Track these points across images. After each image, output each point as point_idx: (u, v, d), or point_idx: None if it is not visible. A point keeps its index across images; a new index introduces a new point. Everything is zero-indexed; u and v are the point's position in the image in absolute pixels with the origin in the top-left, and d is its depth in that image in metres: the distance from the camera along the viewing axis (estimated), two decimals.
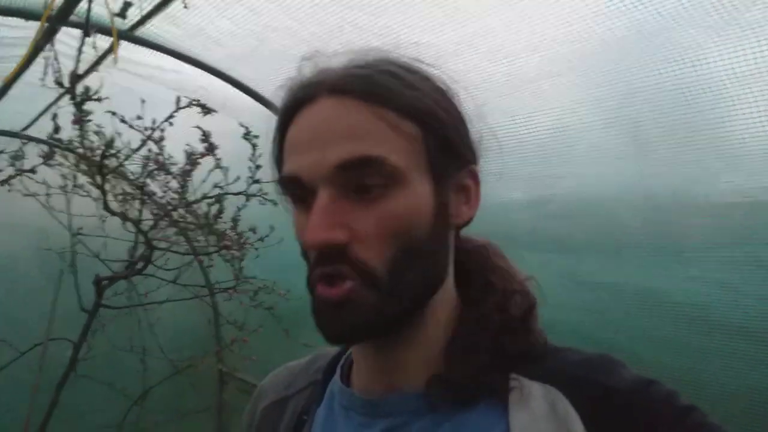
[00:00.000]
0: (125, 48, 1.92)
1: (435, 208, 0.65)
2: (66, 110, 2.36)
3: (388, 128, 0.62)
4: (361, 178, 0.61)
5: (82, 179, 2.78)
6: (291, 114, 0.67)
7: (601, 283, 1.66)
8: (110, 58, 1.83)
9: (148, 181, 2.45)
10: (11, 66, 2.15)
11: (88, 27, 1.46)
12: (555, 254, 1.73)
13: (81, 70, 1.79)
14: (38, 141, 2.76)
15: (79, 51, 1.49)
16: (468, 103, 0.71)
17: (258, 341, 2.88)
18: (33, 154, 2.66)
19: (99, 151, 2.16)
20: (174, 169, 2.48)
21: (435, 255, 0.67)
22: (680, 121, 1.32)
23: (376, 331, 0.64)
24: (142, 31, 1.88)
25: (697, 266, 1.42)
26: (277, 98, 0.70)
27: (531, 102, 1.48)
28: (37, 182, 2.74)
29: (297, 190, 0.65)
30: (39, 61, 1.94)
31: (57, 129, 1.73)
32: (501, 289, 0.70)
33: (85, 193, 2.83)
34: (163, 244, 2.69)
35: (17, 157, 2.62)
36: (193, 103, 2.08)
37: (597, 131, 1.42)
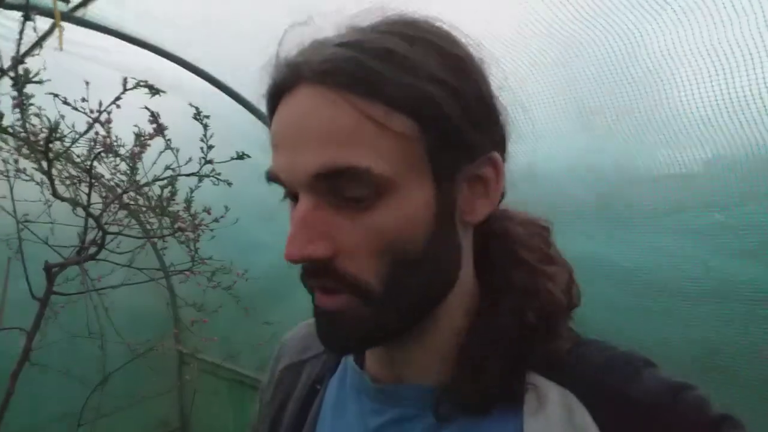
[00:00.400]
0: (67, 29, 1.86)
1: (437, 213, 0.58)
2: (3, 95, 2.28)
3: (375, 128, 0.53)
4: (344, 190, 0.54)
5: (25, 163, 2.69)
6: (274, 101, 0.60)
7: None
8: (51, 39, 1.77)
9: (96, 164, 2.39)
10: None
11: (29, 9, 1.40)
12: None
13: (21, 53, 1.73)
14: None
15: (20, 34, 1.44)
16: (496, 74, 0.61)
17: (219, 321, 2.88)
18: None
19: (43, 135, 2.10)
20: (122, 151, 2.43)
21: (438, 262, 0.60)
22: (621, 99, 1.37)
23: (375, 342, 0.62)
24: (84, 13, 1.82)
25: (637, 233, 1.51)
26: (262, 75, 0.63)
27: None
28: None
29: (283, 187, 0.60)
30: None
31: (0, 116, 1.66)
32: (522, 288, 0.65)
33: (28, 178, 2.74)
34: (114, 228, 2.64)
35: None
36: (141, 84, 2.03)
37: (545, 107, 1.46)
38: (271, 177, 0.59)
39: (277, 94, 0.59)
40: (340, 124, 0.53)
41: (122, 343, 3.28)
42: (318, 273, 0.56)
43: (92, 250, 2.54)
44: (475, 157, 0.60)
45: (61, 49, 1.45)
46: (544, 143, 1.54)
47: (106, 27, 1.92)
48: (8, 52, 1.70)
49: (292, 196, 0.59)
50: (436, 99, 0.54)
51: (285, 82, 0.58)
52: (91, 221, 2.46)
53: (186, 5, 1.64)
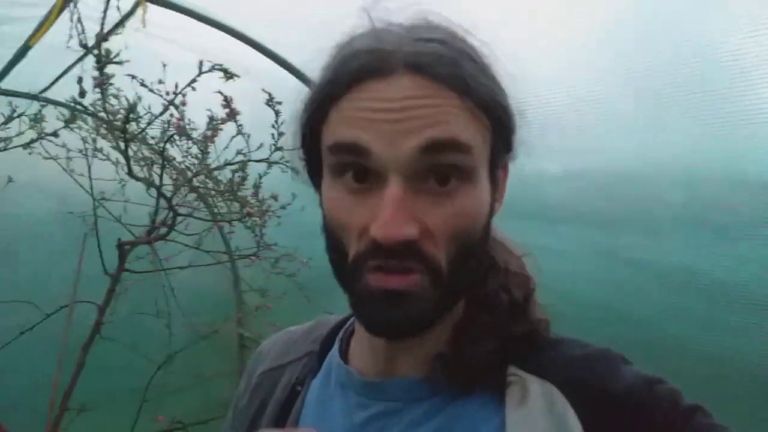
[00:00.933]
0: (151, 10, 1.86)
1: (490, 206, 0.64)
2: (84, 73, 2.33)
3: (470, 119, 0.58)
4: (441, 167, 0.58)
5: (102, 143, 2.76)
6: (355, 79, 0.60)
7: (639, 260, 1.62)
8: (133, 19, 1.77)
9: (167, 146, 2.42)
10: (29, 27, 2.11)
11: None
12: (591, 229, 1.69)
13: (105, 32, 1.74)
14: (58, 104, 2.71)
15: (105, 11, 1.44)
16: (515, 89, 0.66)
17: (280, 308, 2.89)
18: (51, 117, 2.63)
19: (121, 116, 2.13)
20: (195, 134, 2.45)
21: (484, 252, 0.66)
22: (730, 96, 1.24)
23: (428, 325, 0.63)
24: None
25: (742, 245, 1.37)
26: (333, 51, 0.64)
27: (570, 70, 1.41)
28: (57, 145, 2.72)
29: (353, 161, 0.59)
30: (58, 23, 1.90)
31: (83, 93, 1.68)
32: (504, 268, 0.70)
33: (104, 157, 2.81)
34: (184, 210, 2.67)
35: (37, 119, 2.59)
36: (216, 67, 2.02)
37: (641, 103, 1.35)
38: (354, 147, 0.58)
39: (359, 76, 0.59)
40: (444, 110, 0.57)
41: (186, 322, 3.36)
42: (403, 254, 0.57)
43: (162, 230, 2.58)
44: (504, 163, 0.68)
45: (144, 26, 1.44)
46: (637, 140, 1.43)
47: (183, 7, 1.91)
48: (91, 33, 1.72)
49: (355, 173, 0.60)
50: (506, 106, 0.63)
51: (375, 66, 0.59)
52: (162, 202, 2.50)
53: None
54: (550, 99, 1.50)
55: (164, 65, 1.98)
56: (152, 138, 2.54)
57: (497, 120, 0.61)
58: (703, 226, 1.44)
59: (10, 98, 2.46)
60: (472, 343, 0.65)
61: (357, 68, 0.59)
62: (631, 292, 1.66)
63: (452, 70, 0.58)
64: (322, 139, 0.64)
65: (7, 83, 2.62)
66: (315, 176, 0.70)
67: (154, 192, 2.45)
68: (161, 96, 2.05)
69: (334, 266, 0.66)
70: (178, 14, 1.98)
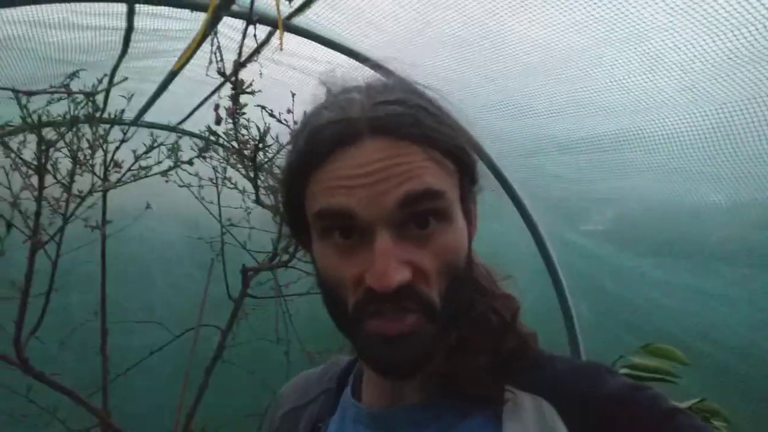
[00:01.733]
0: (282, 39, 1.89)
1: (468, 238, 0.69)
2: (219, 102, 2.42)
3: (438, 167, 0.64)
4: (419, 216, 0.62)
5: (231, 172, 2.86)
6: (326, 152, 0.64)
7: None
8: (266, 49, 1.81)
9: None
10: (173, 61, 2.22)
11: (252, 14, 1.41)
12: (760, 269, 1.46)
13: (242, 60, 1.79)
14: (193, 135, 2.86)
15: (243, 39, 1.46)
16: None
17: None
18: (186, 147, 2.76)
19: (251, 145, 2.18)
20: None
21: (470, 278, 0.70)
22: None
23: (430, 361, 0.64)
24: (298, 20, 1.84)
25: None
26: (305, 120, 0.70)
27: (753, 87, 1.23)
28: (190, 174, 2.85)
29: (339, 224, 0.63)
30: (195, 57, 1.98)
31: (219, 120, 1.73)
32: (490, 291, 0.74)
33: (232, 186, 2.91)
34: None
35: (174, 149, 2.74)
36: None
37: None
38: (342, 211, 0.62)
39: (330, 147, 0.64)
40: (415, 164, 0.62)
41: (301, 349, 3.37)
42: (399, 297, 0.60)
43: (284, 257, 2.61)
44: (473, 196, 0.72)
45: (281, 49, 1.45)
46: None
47: (316, 34, 1.93)
48: (227, 64, 1.78)
49: (345, 234, 0.63)
50: (467, 149, 0.68)
51: (342, 135, 0.63)
52: (285, 229, 2.53)
53: (402, 7, 1.56)
54: (719, 115, 1.33)
55: (293, 94, 2.01)
56: (278, 167, 2.59)
57: (460, 162, 0.67)
58: None
59: (151, 129, 2.61)
60: (466, 361, 0.69)
61: (328, 139, 0.64)
62: None
63: (413, 126, 0.63)
64: (306, 207, 0.68)
65: (149, 116, 2.81)
66: (301, 236, 0.74)
67: (277, 219, 2.49)
68: (287, 126, 2.08)
69: (333, 318, 0.69)
70: (311, 42, 1.99)
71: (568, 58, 1.45)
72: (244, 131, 2.26)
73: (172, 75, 2.13)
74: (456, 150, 0.66)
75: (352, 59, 2.01)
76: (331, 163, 0.64)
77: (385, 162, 0.62)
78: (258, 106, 2.03)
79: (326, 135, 0.65)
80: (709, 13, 1.15)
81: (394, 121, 0.63)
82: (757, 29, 1.15)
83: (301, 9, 1.73)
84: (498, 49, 1.53)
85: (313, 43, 2.00)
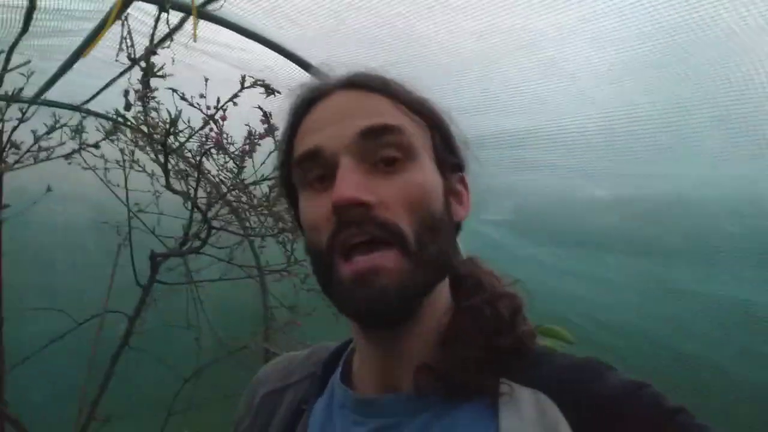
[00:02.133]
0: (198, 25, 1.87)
1: (444, 191, 0.71)
2: (125, 85, 2.35)
3: (402, 113, 0.69)
4: (383, 149, 0.66)
5: (139, 155, 2.78)
6: (304, 109, 0.73)
7: (690, 292, 1.56)
8: (181, 34, 1.78)
9: (203, 159, 2.42)
10: (78, 41, 2.14)
11: (165, 2, 1.40)
12: (640, 258, 1.64)
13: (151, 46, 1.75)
14: (100, 116, 2.75)
15: (155, 26, 1.45)
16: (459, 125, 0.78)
17: (308, 324, 2.86)
18: (91, 128, 2.65)
19: (162, 129, 2.14)
20: (231, 149, 2.45)
21: (448, 235, 0.71)
22: None
23: (408, 303, 0.66)
24: (215, 7, 1.83)
25: None
26: (288, 101, 0.77)
27: (633, 95, 1.37)
28: (95, 156, 2.75)
29: (315, 168, 0.68)
30: (105, 37, 1.92)
31: (128, 106, 1.69)
32: (490, 289, 0.74)
33: (140, 169, 2.83)
34: (216, 223, 2.67)
35: (78, 130, 2.62)
36: (258, 83, 2.02)
37: (705, 130, 1.30)
38: (309, 153, 0.68)
39: (308, 103, 0.73)
40: (378, 105, 0.69)
41: (212, 336, 3.34)
42: (358, 220, 0.63)
43: (195, 243, 2.58)
44: (454, 172, 0.76)
45: (195, 41, 1.45)
46: (695, 167, 1.38)
47: (233, 23, 1.92)
48: (139, 47, 1.74)
49: (319, 178, 0.68)
50: (436, 113, 0.73)
51: (320, 92, 0.72)
52: (196, 215, 2.50)
53: (317, 4, 1.60)
54: (603, 119, 1.47)
55: (206, 80, 1.99)
56: (189, 151, 2.55)
57: (429, 119, 0.72)
58: (762, 260, 1.37)
59: (53, 109, 2.49)
60: (456, 350, 0.68)
61: (307, 98, 0.73)
62: (680, 325, 1.60)
63: (381, 83, 0.71)
64: (291, 172, 0.74)
65: (51, 95, 2.67)
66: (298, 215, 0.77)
67: (188, 204, 2.45)
68: (200, 110, 2.05)
69: (317, 275, 0.71)
70: (225, 30, 1.98)
71: (471, 62, 1.56)
72: (153, 114, 2.21)
73: (77, 55, 2.05)
74: (422, 107, 0.72)
75: (267, 48, 2.01)
76: (308, 117, 0.72)
77: (351, 103, 0.70)
78: (169, 89, 1.99)
79: (303, 97, 0.74)
80: (595, 29, 1.28)
81: (364, 79, 0.72)
82: (637, 44, 1.29)
83: None
84: (408, 50, 1.61)
85: (228, 30, 1.99)
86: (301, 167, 0.70)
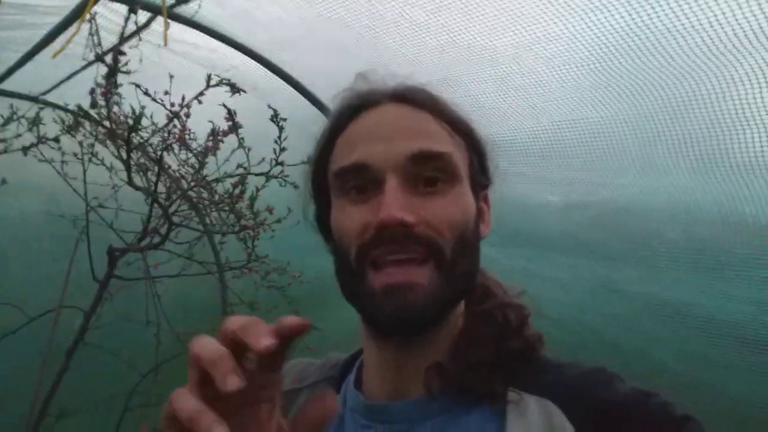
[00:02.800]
0: (161, 23, 1.88)
1: (476, 213, 0.73)
2: (86, 78, 2.33)
3: (448, 135, 0.71)
4: (429, 171, 0.68)
5: (98, 148, 2.74)
6: (349, 115, 0.74)
7: (634, 293, 1.67)
8: (149, 33, 1.79)
9: (165, 154, 2.42)
10: (40, 34, 2.11)
11: (135, 3, 1.42)
12: (588, 260, 1.74)
13: (114, 42, 1.76)
14: (59, 108, 2.70)
15: (124, 26, 1.46)
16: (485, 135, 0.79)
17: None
18: (48, 119, 2.61)
19: (124, 124, 2.13)
20: (194, 145, 2.45)
21: (476, 253, 0.73)
22: (732, 141, 1.31)
23: (435, 318, 0.68)
24: (184, 9, 1.84)
25: (736, 284, 1.43)
26: (332, 103, 0.78)
27: (583, 110, 1.47)
28: (52, 148, 2.70)
29: (358, 180, 0.69)
30: (69, 30, 1.91)
31: (95, 104, 1.69)
32: (500, 298, 0.76)
33: (98, 162, 2.79)
34: (176, 219, 2.66)
35: (35, 122, 2.58)
36: (224, 82, 2.04)
37: (648, 144, 1.41)
38: (355, 166, 0.69)
39: (355, 109, 0.74)
40: (426, 126, 0.70)
41: (171, 331, 3.32)
42: (399, 238, 0.64)
43: (155, 239, 2.57)
44: (483, 187, 0.78)
45: (165, 44, 1.46)
46: (639, 178, 1.49)
47: (200, 24, 1.93)
48: (105, 44, 1.74)
49: (360, 188, 0.69)
50: (475, 132, 0.75)
51: (368, 101, 0.73)
52: (155, 210, 2.49)
53: (287, 12, 1.64)
54: (556, 131, 1.56)
55: (171, 76, 2.00)
56: (150, 146, 2.54)
57: (470, 140, 0.74)
58: (700, 264, 1.49)
59: (10, 100, 2.44)
60: (469, 353, 0.69)
61: (353, 105, 0.74)
62: (624, 324, 1.71)
63: (430, 101, 0.72)
64: (328, 174, 0.75)
65: (7, 85, 2.61)
66: (322, 222, 0.80)
67: (148, 201, 2.44)
68: (164, 106, 2.06)
69: (342, 280, 0.73)
70: (192, 30, 1.99)
71: (433, 74, 1.62)
72: (116, 109, 2.20)
73: (38, 48, 2.03)
74: (465, 128, 0.74)
75: (235, 50, 2.04)
76: (354, 124, 0.73)
77: (400, 121, 0.70)
78: (132, 83, 1.99)
79: (351, 103, 0.74)
80: (548, 50, 1.37)
81: (413, 94, 0.73)
82: (583, 65, 1.38)
83: (185, 0, 1.74)
84: (373, 60, 1.67)
85: (195, 30, 2.00)
86: (341, 178, 0.71)
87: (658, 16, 1.12)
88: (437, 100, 0.73)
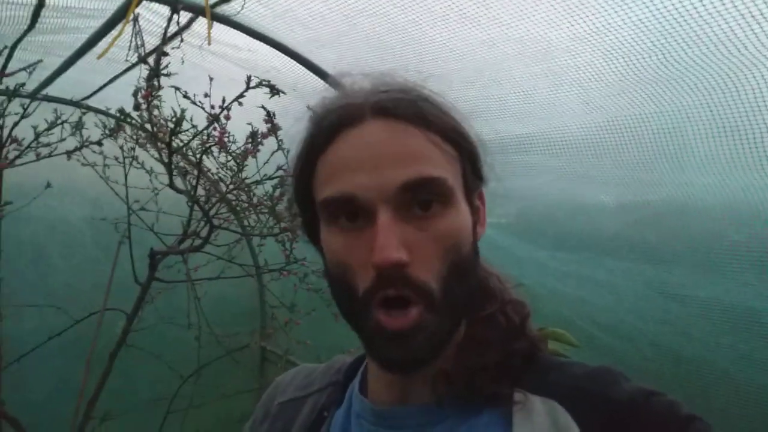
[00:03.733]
0: (201, 24, 1.87)
1: (472, 227, 0.70)
2: (126, 83, 2.34)
3: (439, 150, 0.66)
4: (419, 200, 0.64)
5: (139, 152, 2.77)
6: (331, 133, 0.68)
7: (692, 297, 1.59)
8: (187, 33, 1.79)
9: (204, 157, 2.42)
10: (82, 37, 2.13)
11: (177, 3, 1.40)
12: (642, 263, 1.67)
13: (155, 45, 1.76)
14: (101, 112, 2.74)
15: (167, 27, 1.45)
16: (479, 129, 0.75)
17: (306, 324, 2.87)
18: (90, 124, 2.64)
19: (165, 128, 2.14)
20: (233, 147, 2.45)
21: (475, 269, 0.71)
22: None
23: (436, 355, 0.66)
24: (225, 9, 1.83)
25: None
26: (311, 110, 0.73)
27: (641, 106, 1.40)
28: (94, 152, 2.74)
29: (348, 209, 0.65)
30: (112, 34, 1.92)
31: (138, 106, 1.69)
32: (500, 296, 0.75)
33: (138, 166, 2.82)
34: (215, 222, 2.67)
35: (78, 126, 2.61)
36: (264, 83, 2.03)
37: (710, 140, 1.33)
38: (342, 198, 0.65)
39: (336, 127, 0.67)
40: (416, 146, 0.64)
41: (211, 333, 3.34)
42: (395, 281, 0.62)
43: (196, 241, 2.58)
44: (477, 189, 0.73)
45: (209, 44, 1.45)
46: (701, 175, 1.41)
47: (242, 24, 1.92)
48: (147, 47, 1.74)
49: (351, 218, 0.65)
50: (467, 134, 0.70)
51: (349, 116, 0.67)
52: (196, 213, 2.50)
53: (330, 9, 1.61)
54: (611, 128, 1.50)
55: (211, 79, 1.99)
56: (190, 149, 2.55)
57: (461, 148, 0.69)
58: (766, 268, 1.41)
59: (54, 105, 2.48)
60: (473, 357, 0.69)
61: (332, 122, 0.68)
62: (682, 330, 1.63)
63: (413, 110, 0.66)
64: (313, 194, 0.71)
65: (51, 90, 2.66)
66: (312, 231, 0.76)
67: (189, 203, 2.45)
68: (203, 109, 2.05)
69: (342, 307, 0.70)
70: (232, 31, 1.99)
71: (482, 69, 1.57)
72: (156, 112, 2.21)
73: (81, 52, 2.04)
74: (456, 135, 0.68)
75: (275, 50, 2.02)
76: (335, 145, 0.67)
77: (386, 144, 0.64)
78: (172, 87, 1.99)
79: (330, 119, 0.68)
80: (604, 41, 1.31)
81: (395, 105, 0.66)
82: (644, 57, 1.31)
83: (226, 0, 1.72)
84: (419, 55, 1.63)
85: (235, 30, 1.99)
86: (328, 206, 0.67)
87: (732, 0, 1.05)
88: (423, 108, 0.67)
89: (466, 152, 0.69)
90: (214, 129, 2.27)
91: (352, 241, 0.65)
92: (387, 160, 0.63)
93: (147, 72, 1.77)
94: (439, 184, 0.64)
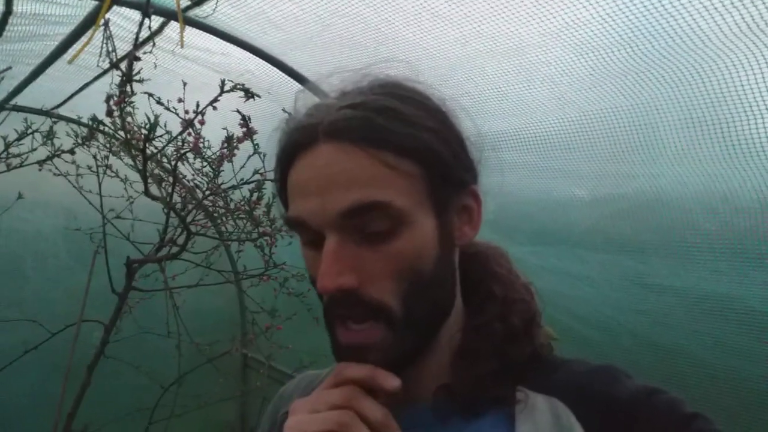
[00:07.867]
0: (173, 28, 1.86)
1: (440, 240, 0.67)
2: (98, 90, 2.31)
3: (389, 171, 0.63)
4: (368, 223, 0.63)
5: (113, 160, 2.74)
6: (291, 156, 0.69)
7: (668, 287, 1.63)
8: (159, 38, 1.77)
9: (179, 164, 2.40)
10: (51, 45, 2.10)
11: (148, 7, 1.39)
12: (617, 255, 1.69)
13: (126, 50, 1.74)
14: (73, 121, 2.70)
15: (138, 32, 1.44)
16: (467, 121, 0.73)
17: (287, 328, 2.86)
18: (61, 133, 2.60)
19: (139, 135, 2.11)
20: (208, 153, 2.43)
21: (444, 282, 0.69)
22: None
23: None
24: (197, 13, 1.82)
25: None
26: (276, 137, 0.73)
27: (612, 99, 1.43)
28: (67, 162, 2.69)
29: (305, 232, 0.67)
30: (82, 41, 1.89)
31: (110, 112, 1.67)
32: (501, 297, 0.73)
33: (113, 174, 2.78)
34: (192, 228, 2.64)
35: (49, 136, 2.57)
36: (238, 87, 2.02)
37: (680, 131, 1.36)
38: (296, 222, 0.66)
39: (294, 150, 0.68)
40: (360, 170, 0.62)
41: (191, 342, 3.30)
42: (346, 302, 0.63)
43: (173, 248, 2.55)
44: (461, 190, 0.70)
45: (182, 47, 1.44)
46: (672, 167, 1.44)
47: (216, 29, 1.91)
48: (119, 53, 1.71)
49: (311, 241, 0.67)
50: (431, 145, 0.65)
51: (302, 141, 0.67)
52: (172, 221, 2.47)
53: (303, 10, 1.61)
54: (583, 122, 1.52)
55: (184, 84, 1.98)
56: (164, 155, 2.52)
57: (424, 161, 0.65)
58: (738, 255, 1.44)
59: (24, 115, 2.44)
60: (470, 368, 0.69)
61: (292, 144, 0.68)
62: (659, 320, 1.66)
63: (361, 130, 0.63)
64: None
65: (21, 100, 2.61)
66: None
67: (165, 210, 2.42)
68: (177, 115, 2.04)
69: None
70: (205, 35, 1.97)
71: (455, 67, 1.59)
72: (129, 119, 2.18)
73: (51, 59, 2.01)
74: (417, 148, 0.64)
75: (249, 53, 2.01)
76: (294, 167, 0.68)
77: (331, 169, 0.63)
78: (145, 93, 1.97)
79: (291, 140, 0.69)
80: (574, 36, 1.33)
81: (344, 126, 0.64)
82: (612, 51, 1.34)
83: (199, 2, 1.71)
84: (393, 55, 1.64)
85: (208, 34, 1.98)
86: (292, 227, 0.69)
87: None
88: (377, 126, 0.64)
89: (431, 163, 0.66)
90: (189, 134, 2.25)
91: (315, 256, 0.67)
92: (331, 186, 0.62)
93: (119, 78, 1.75)
94: (382, 207, 0.62)
